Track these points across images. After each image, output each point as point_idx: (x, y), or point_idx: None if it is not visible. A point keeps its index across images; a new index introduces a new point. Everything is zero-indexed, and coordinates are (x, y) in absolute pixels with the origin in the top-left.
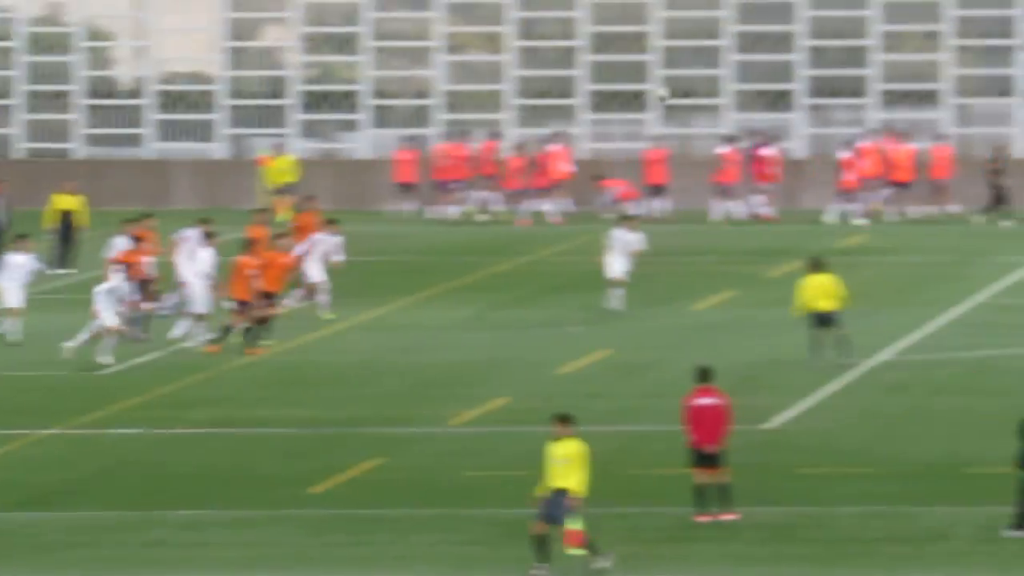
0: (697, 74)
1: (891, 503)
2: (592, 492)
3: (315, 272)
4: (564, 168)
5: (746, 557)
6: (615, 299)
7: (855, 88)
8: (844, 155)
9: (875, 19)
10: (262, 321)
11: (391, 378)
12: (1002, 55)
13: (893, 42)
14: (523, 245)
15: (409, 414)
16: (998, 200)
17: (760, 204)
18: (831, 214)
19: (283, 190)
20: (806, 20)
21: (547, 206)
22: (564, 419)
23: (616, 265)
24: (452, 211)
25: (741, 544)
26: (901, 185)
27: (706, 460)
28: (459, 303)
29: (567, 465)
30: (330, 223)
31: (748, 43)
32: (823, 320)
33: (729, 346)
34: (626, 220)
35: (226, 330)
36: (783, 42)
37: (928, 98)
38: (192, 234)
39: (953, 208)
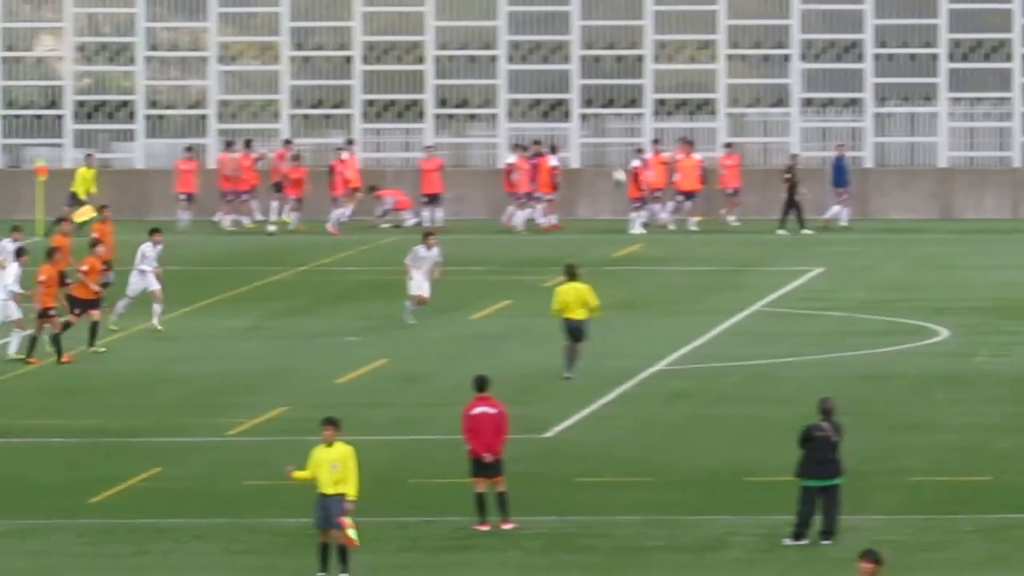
0: (471, 84)
1: (671, 512)
2: (372, 502)
3: (150, 282)
4: (350, 176)
5: (525, 566)
6: (411, 315)
7: (632, 97)
8: (635, 164)
9: (648, 29)
10: (66, 326)
11: (170, 388)
12: (777, 64)
13: (667, 52)
14: (301, 255)
15: (188, 424)
16: (792, 208)
17: (541, 213)
18: (635, 225)
19: (82, 201)
20: (580, 30)
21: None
22: (332, 423)
23: (421, 283)
24: (233, 220)
25: (520, 553)
26: (688, 195)
27: (485, 469)
28: (237, 313)
29: (338, 469)
30: (154, 232)
31: (522, 53)
32: (572, 329)
33: (507, 356)
34: (426, 236)
35: (33, 340)
36: (558, 52)
37: (704, 108)
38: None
39: (732, 219)
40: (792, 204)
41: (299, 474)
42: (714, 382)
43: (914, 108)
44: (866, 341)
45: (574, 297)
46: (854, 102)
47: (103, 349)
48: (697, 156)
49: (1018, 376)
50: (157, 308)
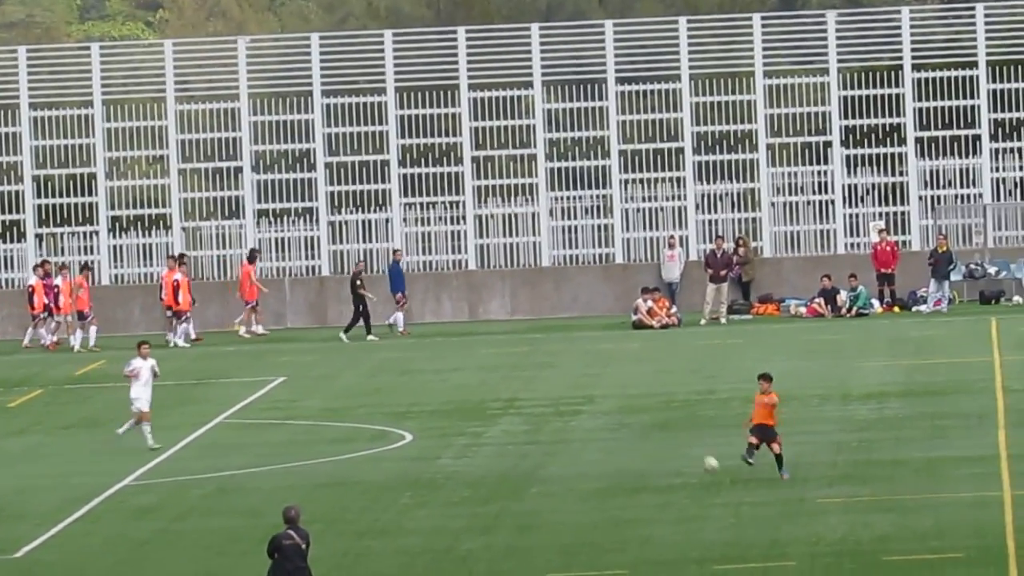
0: None
1: None
2: None
3: None
4: None
5: None
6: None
7: (87, 215)
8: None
9: (100, 146)
10: None
11: None
12: (228, 178)
13: (119, 168)
14: None
15: None
16: (360, 315)
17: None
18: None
19: None
20: (30, 149)
21: None
22: None
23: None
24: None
25: None
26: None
27: None
28: None
29: None
30: None
31: None
32: None
33: None
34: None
35: None
36: (12, 172)
37: (159, 222)
38: None
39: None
40: (360, 311)
41: None
42: (181, 496)
43: (368, 215)
44: (330, 448)
45: None
46: (309, 211)
47: None
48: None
49: (481, 477)
50: None
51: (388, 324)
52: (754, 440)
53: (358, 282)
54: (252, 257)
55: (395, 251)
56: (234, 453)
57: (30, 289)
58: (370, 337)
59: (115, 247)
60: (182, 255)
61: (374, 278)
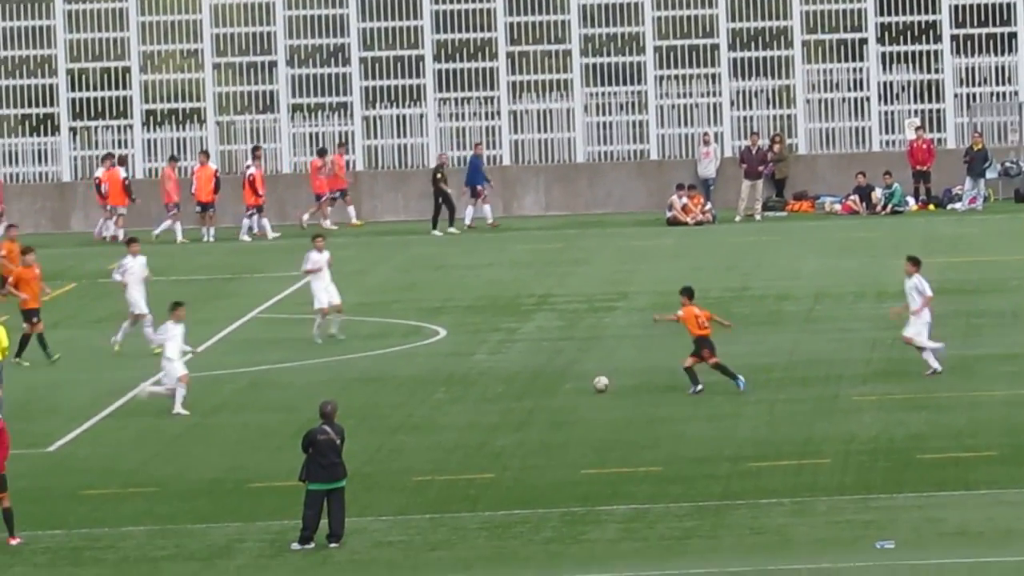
0: None
1: (177, 522)
2: None
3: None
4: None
5: None
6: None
7: (120, 109)
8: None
9: (134, 40)
10: None
11: None
12: (263, 72)
13: (154, 62)
14: None
15: None
16: (447, 208)
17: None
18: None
19: None
20: (65, 44)
21: None
22: None
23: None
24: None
25: (27, 568)
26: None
27: None
28: None
29: None
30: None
31: (7, 67)
32: None
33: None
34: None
35: None
36: (45, 65)
37: (192, 116)
38: None
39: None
40: (442, 204)
41: None
42: (214, 391)
43: (403, 110)
44: (364, 344)
45: None
46: (343, 106)
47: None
48: (213, 166)
49: (515, 373)
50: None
51: (465, 220)
52: (690, 363)
53: (439, 175)
54: (322, 152)
55: (476, 144)
56: (267, 348)
57: (96, 181)
58: (451, 229)
59: (149, 141)
60: (257, 147)
61: (453, 171)
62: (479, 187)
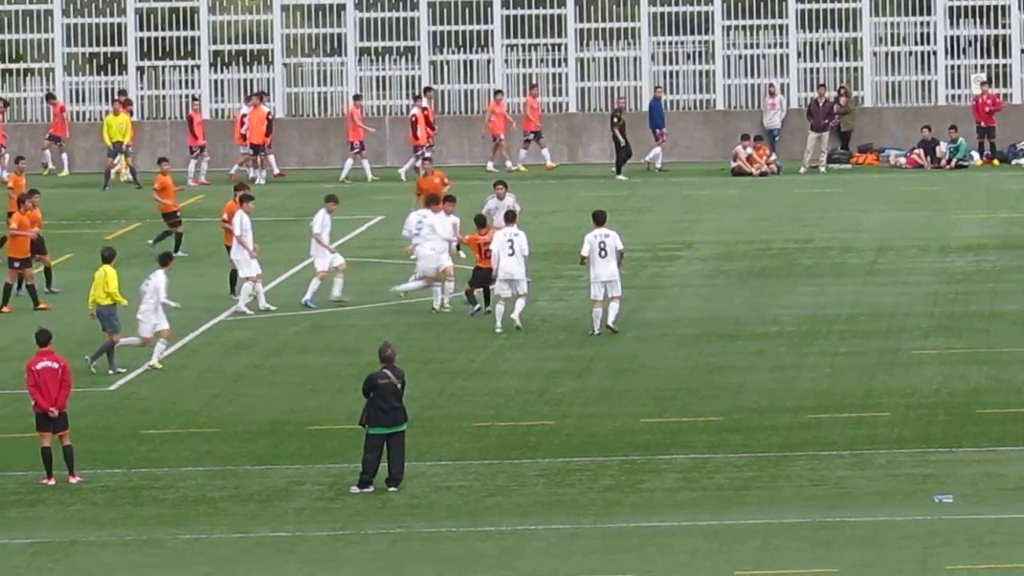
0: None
1: (237, 462)
2: None
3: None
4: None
5: (92, 519)
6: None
7: (188, 50)
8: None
9: None
10: None
11: None
12: (331, 15)
13: (222, 3)
14: None
15: None
16: (625, 153)
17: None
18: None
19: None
20: None
21: None
22: None
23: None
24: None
25: (87, 506)
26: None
27: (50, 423)
28: None
29: None
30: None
31: (75, 6)
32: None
33: (67, 310)
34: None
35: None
36: (114, 4)
37: (260, 57)
38: None
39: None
40: (622, 148)
41: None
42: (276, 332)
43: (470, 55)
44: (427, 288)
45: (97, 282)
46: (410, 50)
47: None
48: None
49: (577, 321)
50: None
51: (645, 162)
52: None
53: (615, 119)
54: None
55: (656, 88)
56: (330, 290)
57: (240, 119)
58: (620, 177)
59: (216, 82)
60: (428, 88)
61: (631, 115)
62: (658, 130)
